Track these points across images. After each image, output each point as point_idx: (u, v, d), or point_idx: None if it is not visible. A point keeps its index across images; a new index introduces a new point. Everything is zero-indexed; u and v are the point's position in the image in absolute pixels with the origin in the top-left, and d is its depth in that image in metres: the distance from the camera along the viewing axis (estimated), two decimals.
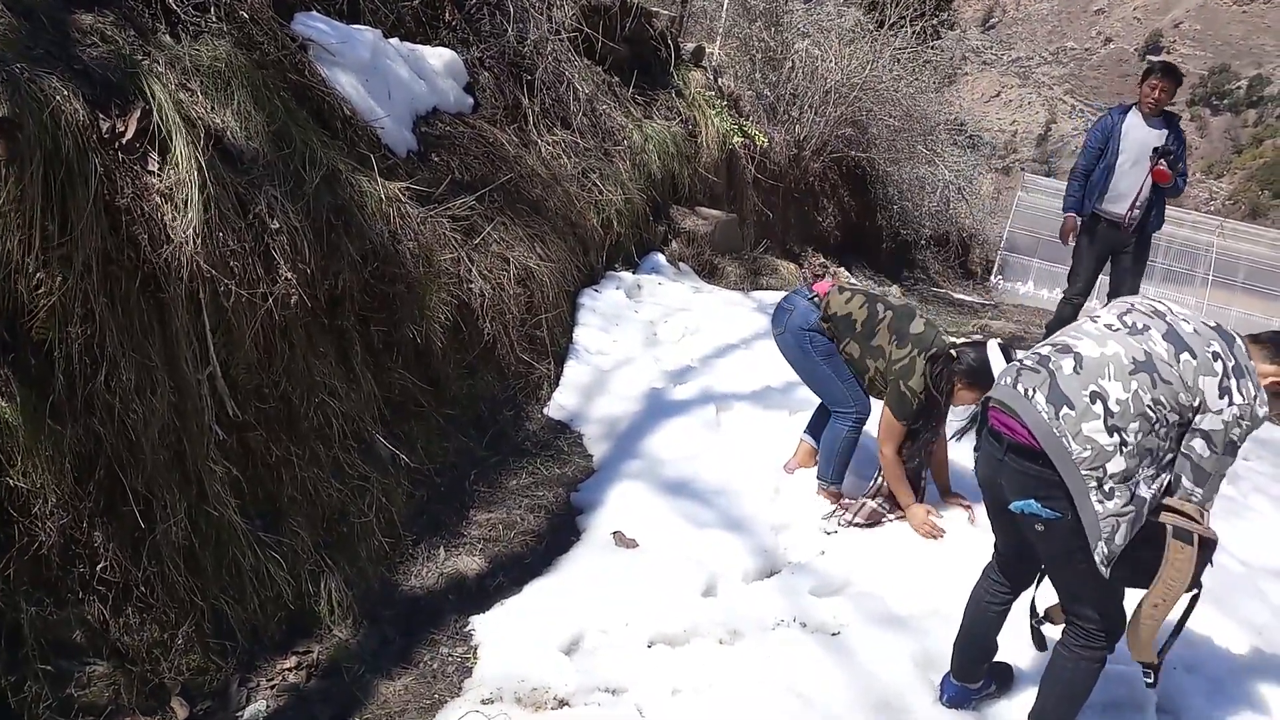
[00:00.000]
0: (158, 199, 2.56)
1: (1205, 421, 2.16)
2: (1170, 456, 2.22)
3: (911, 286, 11.29)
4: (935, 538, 3.47)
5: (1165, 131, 5.65)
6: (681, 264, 6.48)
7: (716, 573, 3.19)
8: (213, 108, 2.85)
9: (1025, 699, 2.63)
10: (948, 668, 2.71)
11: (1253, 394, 2.18)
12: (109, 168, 2.44)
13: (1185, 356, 2.19)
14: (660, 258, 6.26)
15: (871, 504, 3.59)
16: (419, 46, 4.71)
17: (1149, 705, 2.75)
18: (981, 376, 3.13)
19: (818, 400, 3.80)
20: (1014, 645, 2.77)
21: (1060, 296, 6.37)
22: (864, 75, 9.22)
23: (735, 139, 7.81)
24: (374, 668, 2.75)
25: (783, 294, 4.26)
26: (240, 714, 2.52)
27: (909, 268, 12.75)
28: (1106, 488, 2.13)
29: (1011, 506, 2.28)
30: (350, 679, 2.69)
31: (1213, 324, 2.28)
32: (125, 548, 2.41)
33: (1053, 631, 2.50)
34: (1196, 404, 2.17)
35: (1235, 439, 2.17)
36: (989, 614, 2.63)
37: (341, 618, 2.87)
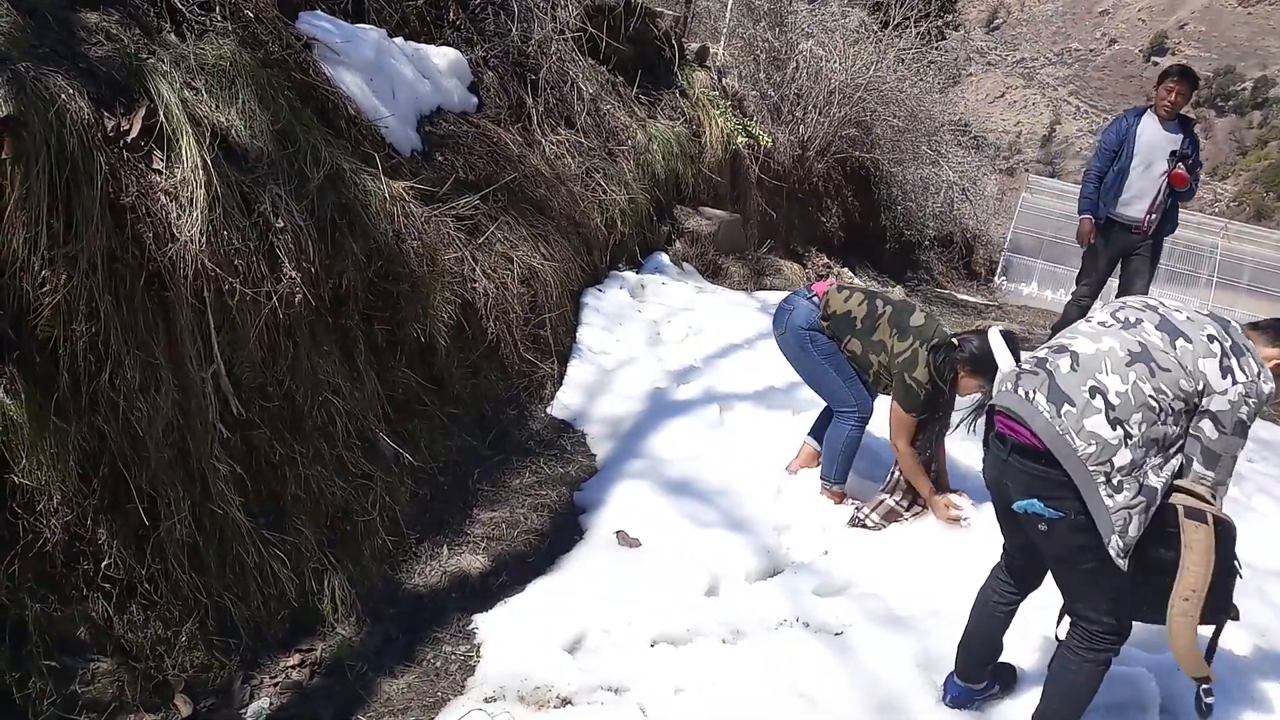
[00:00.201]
0: (162, 197, 2.56)
1: (1213, 403, 2.16)
2: (1180, 444, 2.22)
3: (915, 287, 11.27)
4: (958, 525, 3.47)
5: (1180, 135, 5.62)
6: (685, 264, 6.48)
7: (719, 572, 3.19)
8: (217, 106, 2.86)
9: (1029, 700, 2.62)
10: (951, 668, 2.71)
11: (1255, 371, 2.18)
12: (114, 166, 2.45)
13: (1181, 342, 2.19)
14: (664, 257, 6.26)
15: (890, 501, 3.59)
16: (423, 46, 4.72)
17: (1153, 707, 2.74)
18: (984, 364, 3.13)
19: (821, 402, 3.80)
20: (1017, 646, 2.77)
21: (1065, 298, 6.36)
22: (868, 76, 9.20)
23: (739, 139, 7.81)
24: (377, 665, 2.76)
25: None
26: (243, 711, 2.52)
27: (913, 268, 12.72)
28: (1115, 481, 2.13)
29: (1014, 506, 2.28)
30: (353, 677, 2.70)
31: (1205, 311, 2.29)
32: (129, 545, 2.42)
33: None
34: (1200, 388, 2.17)
35: (1244, 418, 2.16)
36: (996, 614, 2.62)
37: (345, 615, 2.88)
